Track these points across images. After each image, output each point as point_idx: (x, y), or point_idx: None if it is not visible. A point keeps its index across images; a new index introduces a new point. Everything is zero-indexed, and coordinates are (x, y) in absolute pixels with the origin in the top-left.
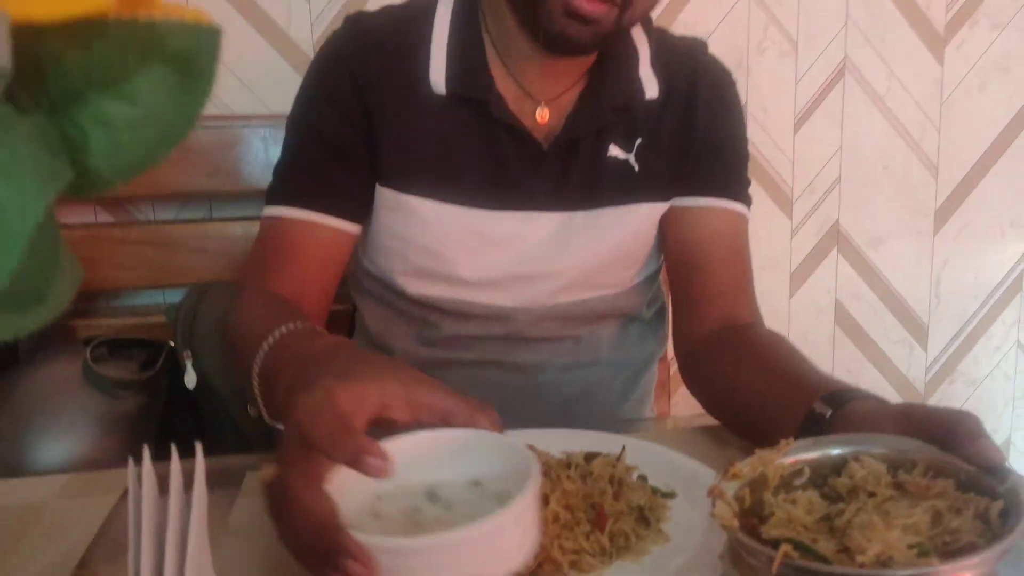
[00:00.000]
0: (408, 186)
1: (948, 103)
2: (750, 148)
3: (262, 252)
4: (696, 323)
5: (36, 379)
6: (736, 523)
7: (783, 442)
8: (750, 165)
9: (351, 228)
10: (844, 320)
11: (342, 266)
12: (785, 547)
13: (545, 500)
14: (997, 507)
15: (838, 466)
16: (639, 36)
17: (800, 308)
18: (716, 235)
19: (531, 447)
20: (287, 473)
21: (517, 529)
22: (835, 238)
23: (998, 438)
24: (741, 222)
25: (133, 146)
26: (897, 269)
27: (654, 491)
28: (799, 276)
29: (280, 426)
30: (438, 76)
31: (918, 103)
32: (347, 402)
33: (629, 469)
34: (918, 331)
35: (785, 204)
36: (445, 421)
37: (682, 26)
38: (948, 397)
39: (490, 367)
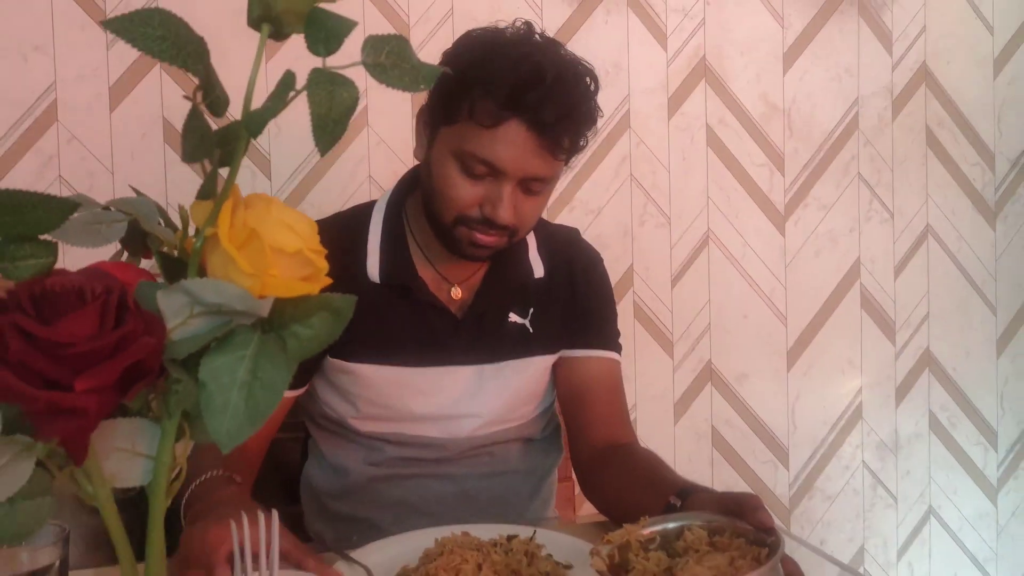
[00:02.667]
0: (353, 356)
1: (791, 266)
2: (637, 301)
3: None
4: (585, 445)
5: None
6: (607, 572)
7: (642, 519)
8: (638, 314)
9: (292, 395)
10: (720, 444)
11: (280, 421)
12: None
13: (480, 568)
14: (765, 552)
15: (677, 535)
16: None
17: (683, 434)
18: (597, 377)
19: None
20: None
21: None
22: (708, 375)
23: (853, 545)
24: (615, 365)
25: (310, 348)
26: (760, 400)
27: (556, 563)
28: (681, 407)
29: None
30: (374, 268)
31: (767, 266)
32: (215, 538)
33: (539, 547)
34: (780, 453)
35: (667, 346)
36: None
37: (579, 203)
38: (809, 511)
39: (426, 479)
